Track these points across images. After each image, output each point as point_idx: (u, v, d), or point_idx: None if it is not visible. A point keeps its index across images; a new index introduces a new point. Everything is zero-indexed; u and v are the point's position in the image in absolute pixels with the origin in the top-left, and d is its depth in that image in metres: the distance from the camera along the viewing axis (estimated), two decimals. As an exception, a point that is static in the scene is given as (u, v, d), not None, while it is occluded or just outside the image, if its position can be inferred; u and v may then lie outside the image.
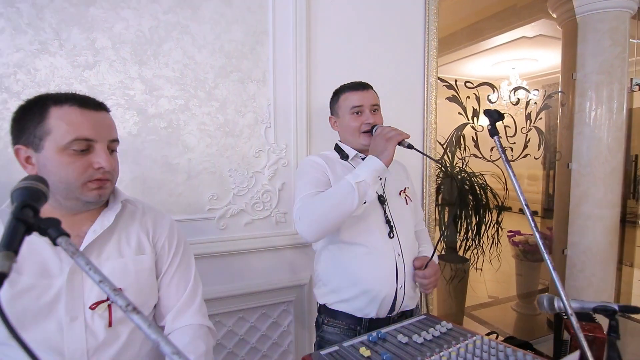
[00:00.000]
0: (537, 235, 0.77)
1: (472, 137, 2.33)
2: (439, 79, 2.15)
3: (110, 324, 0.80)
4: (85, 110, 0.82)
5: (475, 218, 2.61)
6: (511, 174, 0.90)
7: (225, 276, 1.50)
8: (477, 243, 2.62)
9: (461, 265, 2.73)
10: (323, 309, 1.26)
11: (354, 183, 1.04)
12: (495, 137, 0.97)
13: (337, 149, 1.31)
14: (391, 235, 1.18)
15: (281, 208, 1.58)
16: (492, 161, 2.39)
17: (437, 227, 2.44)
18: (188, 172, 1.44)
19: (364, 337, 0.88)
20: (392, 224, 1.19)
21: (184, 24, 1.39)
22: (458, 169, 2.50)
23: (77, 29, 1.26)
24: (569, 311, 0.73)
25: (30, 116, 0.81)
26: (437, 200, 2.36)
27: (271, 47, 1.52)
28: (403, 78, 1.81)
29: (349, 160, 1.27)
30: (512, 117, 2.42)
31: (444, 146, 2.34)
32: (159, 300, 0.93)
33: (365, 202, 1.07)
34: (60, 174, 0.77)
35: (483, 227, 2.60)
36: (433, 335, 0.86)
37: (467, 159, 2.38)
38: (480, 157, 2.37)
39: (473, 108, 2.30)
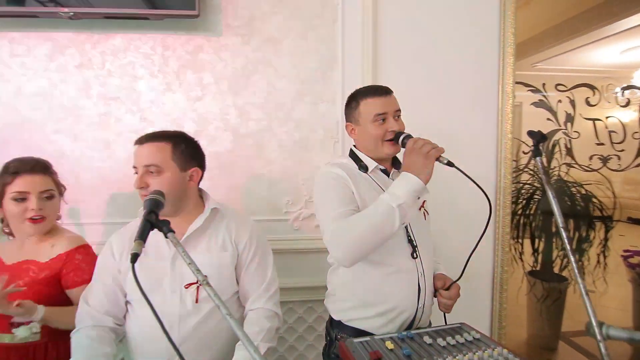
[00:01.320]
0: None
1: (566, 145, 2.13)
2: (522, 83, 2.05)
3: (197, 301, 1.11)
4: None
5: (576, 233, 2.36)
6: (551, 197, 0.91)
7: (298, 270, 1.75)
8: (577, 261, 2.37)
9: (556, 285, 2.49)
10: (337, 324, 1.22)
11: (395, 205, 0.98)
12: (538, 158, 0.97)
13: (354, 156, 1.23)
14: (414, 255, 1.16)
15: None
16: (593, 170, 2.14)
17: (520, 241, 2.30)
18: (269, 180, 1.73)
19: (394, 334, 1.00)
20: (414, 243, 1.16)
21: (268, 58, 1.68)
22: (555, 178, 2.30)
23: (190, 71, 1.65)
24: None
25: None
26: (517, 212, 2.23)
27: (340, 71, 1.71)
28: (475, 87, 1.80)
29: (368, 172, 1.19)
30: (620, 120, 2.12)
31: (530, 154, 2.19)
32: (242, 289, 1.21)
33: (403, 224, 1.02)
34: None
35: (585, 245, 2.34)
36: (458, 342, 0.94)
37: (558, 167, 2.18)
38: (575, 166, 2.14)
39: (566, 113, 2.11)
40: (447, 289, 1.19)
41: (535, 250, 2.49)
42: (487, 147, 1.82)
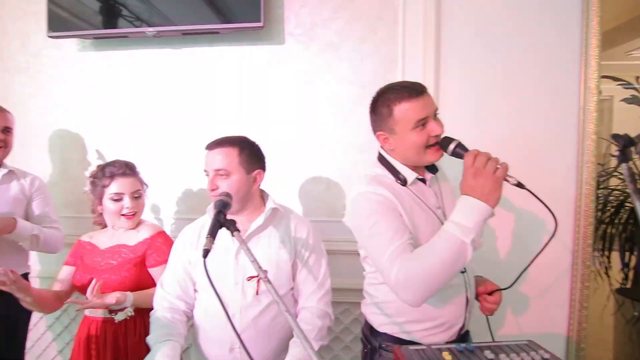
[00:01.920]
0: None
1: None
2: (611, 77, 1.83)
3: (257, 293, 1.18)
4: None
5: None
6: (638, 207, 0.81)
7: (355, 271, 1.75)
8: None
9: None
10: (381, 334, 1.13)
11: (469, 241, 0.88)
12: (624, 165, 0.88)
13: (388, 166, 1.10)
14: (462, 270, 1.09)
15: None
16: None
17: (606, 254, 2.04)
18: (327, 183, 1.76)
19: (452, 345, 0.96)
20: None
21: (328, 63, 1.73)
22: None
23: (257, 79, 1.76)
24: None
25: None
26: (604, 220, 1.99)
27: (400, 73, 1.68)
28: (552, 84, 1.64)
29: (407, 185, 1.08)
30: None
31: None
32: (296, 286, 1.27)
33: None
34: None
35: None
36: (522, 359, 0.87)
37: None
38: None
39: (668, 109, 1.83)
40: (490, 293, 1.13)
41: (625, 265, 2.20)
42: (566, 150, 1.65)
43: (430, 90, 1.61)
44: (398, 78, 1.68)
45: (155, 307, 1.24)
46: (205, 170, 1.26)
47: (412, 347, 0.94)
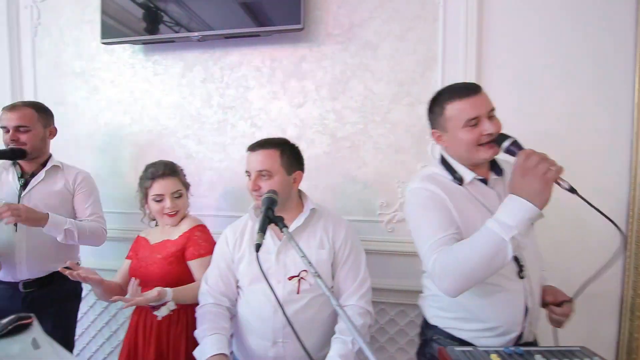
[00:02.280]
0: None
1: None
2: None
3: (298, 292, 1.21)
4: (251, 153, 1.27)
5: None
6: None
7: (390, 272, 1.75)
8: None
9: None
10: (433, 327, 1.16)
11: (508, 239, 0.88)
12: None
13: (446, 165, 1.12)
14: (521, 275, 1.04)
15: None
16: None
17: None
18: (364, 182, 1.77)
19: (500, 348, 0.95)
20: (521, 262, 1.04)
21: (365, 63, 1.72)
22: None
23: (294, 80, 1.79)
24: None
25: None
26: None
27: (440, 70, 1.66)
28: (601, 83, 1.56)
29: (464, 185, 1.08)
30: None
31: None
32: (336, 285, 1.29)
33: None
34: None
35: None
36: (575, 367, 0.85)
37: None
38: None
39: None
40: (559, 304, 1.08)
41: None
42: (619, 149, 1.56)
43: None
44: (438, 76, 1.66)
45: (201, 303, 1.30)
46: (247, 171, 1.30)
47: (458, 348, 0.93)
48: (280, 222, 0.92)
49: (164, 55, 1.92)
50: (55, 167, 1.65)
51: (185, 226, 1.50)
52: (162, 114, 1.95)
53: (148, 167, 1.51)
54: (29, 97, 2.11)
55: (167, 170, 1.49)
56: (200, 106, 1.90)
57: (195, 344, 1.23)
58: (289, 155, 1.29)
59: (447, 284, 0.96)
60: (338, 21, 1.73)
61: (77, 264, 1.30)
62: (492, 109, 1.06)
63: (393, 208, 1.75)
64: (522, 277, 1.04)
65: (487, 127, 1.02)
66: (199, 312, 1.28)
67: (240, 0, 1.69)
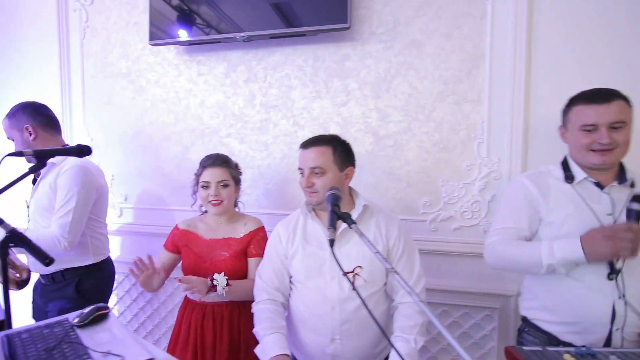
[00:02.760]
0: None
1: None
2: None
3: (353, 288, 1.21)
4: (302, 150, 1.31)
5: None
6: None
7: (433, 272, 1.74)
8: None
9: None
10: (525, 319, 1.28)
11: (545, 264, 1.06)
12: None
13: (564, 164, 1.21)
14: (610, 277, 1.06)
15: (490, 218, 1.68)
16: None
17: None
18: (407, 180, 1.76)
19: (571, 348, 0.93)
20: (615, 266, 1.06)
21: (410, 61, 1.71)
22: None
23: (337, 78, 1.80)
24: None
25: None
26: None
27: (488, 68, 1.63)
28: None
29: (573, 184, 1.15)
30: None
31: None
32: (390, 283, 1.29)
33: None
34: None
35: None
36: (654, 372, 0.82)
37: None
38: None
39: None
40: None
41: None
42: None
43: (521, 85, 1.58)
44: (485, 74, 1.64)
45: (257, 299, 1.32)
46: (300, 168, 1.32)
47: (527, 348, 0.92)
48: (348, 219, 0.93)
49: (207, 55, 1.96)
50: (51, 165, 1.55)
51: (251, 226, 1.55)
52: (206, 113, 1.99)
53: (203, 157, 1.58)
54: (77, 97, 2.20)
55: (218, 160, 1.54)
56: (243, 105, 1.93)
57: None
58: (341, 151, 1.30)
59: (492, 263, 1.22)
60: (382, 19, 1.73)
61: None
62: (619, 122, 1.08)
63: (437, 207, 1.74)
64: (611, 279, 1.06)
65: (602, 136, 1.08)
66: (256, 308, 1.31)
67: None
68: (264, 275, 1.34)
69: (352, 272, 1.22)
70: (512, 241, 1.17)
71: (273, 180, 1.92)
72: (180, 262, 1.56)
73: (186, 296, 1.57)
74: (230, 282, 1.37)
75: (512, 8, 1.58)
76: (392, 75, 1.74)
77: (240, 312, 1.47)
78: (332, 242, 0.86)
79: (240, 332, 1.45)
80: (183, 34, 1.87)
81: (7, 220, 1.05)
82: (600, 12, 1.53)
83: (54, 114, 1.69)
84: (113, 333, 0.87)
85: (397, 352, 1.08)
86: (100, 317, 0.94)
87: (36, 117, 1.60)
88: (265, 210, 1.93)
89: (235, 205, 1.64)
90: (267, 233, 1.51)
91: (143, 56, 2.07)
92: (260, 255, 1.45)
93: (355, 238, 1.27)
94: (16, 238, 1.00)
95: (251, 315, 1.32)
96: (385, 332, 1.25)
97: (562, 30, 1.56)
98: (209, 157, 1.56)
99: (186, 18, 1.86)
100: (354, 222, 0.91)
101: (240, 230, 1.54)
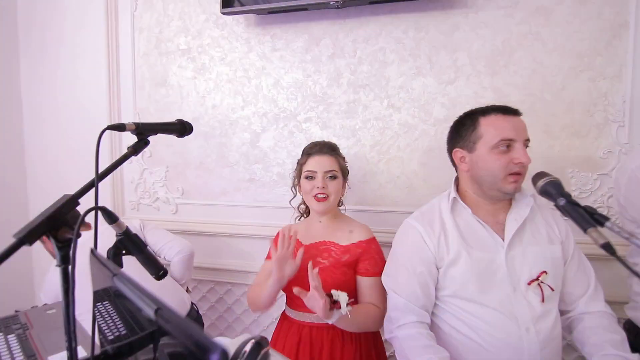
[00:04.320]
0: None
1: None
2: None
3: (542, 300, 0.95)
4: (508, 116, 1.00)
5: None
6: None
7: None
8: None
9: None
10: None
11: None
12: None
13: None
14: None
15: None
16: None
17: None
18: (529, 171, 1.51)
19: None
20: None
21: (535, 31, 1.46)
22: None
23: (443, 52, 1.54)
24: None
25: (465, 126, 1.04)
26: None
27: (632, 39, 1.39)
28: None
29: None
30: None
31: None
32: (564, 287, 1.03)
33: None
34: (489, 169, 0.99)
35: None
36: None
37: None
38: None
39: None
40: None
41: None
42: None
43: None
44: (629, 45, 1.39)
45: (398, 322, 1.03)
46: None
47: None
48: (597, 214, 0.68)
49: (284, 27, 1.70)
50: None
51: (359, 234, 1.27)
52: (281, 94, 1.73)
53: (307, 145, 1.35)
54: (125, 77, 1.93)
55: (326, 148, 1.31)
56: (326, 85, 1.67)
57: None
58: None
59: None
60: (503, -17, 1.48)
61: None
62: None
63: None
64: None
65: None
66: (401, 334, 1.01)
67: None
68: (404, 291, 1.05)
69: (537, 279, 0.97)
70: None
71: (361, 171, 1.66)
72: None
73: (284, 313, 1.31)
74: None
75: (665, -33, 1.34)
76: (513, 48, 1.48)
77: (343, 339, 1.20)
78: (608, 247, 0.60)
79: None
80: (258, 2, 1.60)
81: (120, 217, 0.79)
82: None
83: None
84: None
85: None
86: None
87: None
88: (351, 206, 1.66)
89: (340, 204, 1.38)
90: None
91: (206, 29, 1.80)
92: (375, 274, 1.19)
93: (527, 237, 1.02)
94: (130, 242, 0.74)
95: (356, 346, 1.07)
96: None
97: None
98: (315, 143, 1.33)
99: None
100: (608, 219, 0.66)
101: (344, 237, 1.27)
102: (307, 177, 1.28)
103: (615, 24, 1.41)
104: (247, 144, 1.79)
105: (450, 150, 1.14)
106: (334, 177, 1.27)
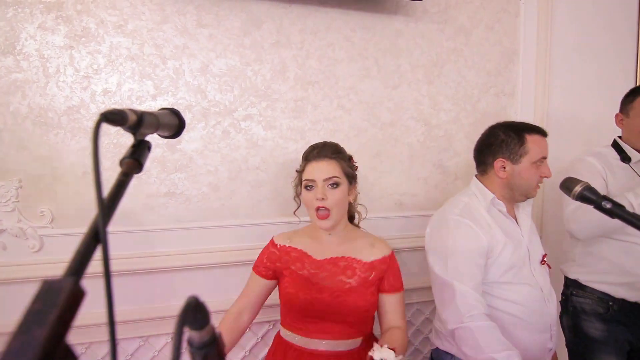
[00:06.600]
0: None
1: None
2: None
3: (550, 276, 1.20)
4: (544, 138, 1.16)
5: None
6: None
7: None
8: None
9: None
10: (572, 282, 1.42)
11: (635, 203, 1.18)
12: None
13: (616, 147, 1.40)
14: None
15: None
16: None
17: None
18: (455, 173, 1.68)
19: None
20: None
21: (459, 48, 1.64)
22: None
23: (389, 56, 1.55)
24: None
25: (513, 140, 1.15)
26: None
27: (521, 64, 1.73)
28: None
29: (630, 163, 1.36)
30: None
31: None
32: None
33: None
34: (528, 179, 1.15)
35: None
36: None
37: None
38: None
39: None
40: None
41: None
42: None
43: (540, 87, 1.74)
44: (518, 70, 1.74)
45: (472, 311, 1.03)
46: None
47: None
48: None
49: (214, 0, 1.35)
50: None
51: (381, 249, 1.14)
52: (211, 83, 1.37)
53: (308, 147, 1.15)
54: None
55: (325, 150, 1.10)
56: (270, 78, 1.42)
57: None
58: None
59: (578, 230, 1.28)
60: (436, -2, 1.59)
61: None
62: None
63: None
64: None
65: None
66: (473, 325, 1.01)
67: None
68: (472, 281, 1.06)
69: (544, 259, 1.21)
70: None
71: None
72: (277, 289, 1.07)
73: (278, 334, 1.08)
74: (389, 346, 0.87)
75: (536, 12, 1.72)
76: (444, 61, 1.62)
77: None
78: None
79: None
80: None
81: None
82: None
83: None
84: None
85: None
86: None
87: None
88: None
89: (353, 213, 1.21)
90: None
91: (91, -18, 1.25)
92: (398, 290, 1.12)
93: (526, 224, 1.23)
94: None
95: None
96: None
97: (575, 34, 1.81)
98: (314, 146, 1.13)
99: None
100: None
101: (366, 252, 1.11)
102: (306, 187, 1.08)
103: (510, 50, 1.73)
104: (162, 145, 1.33)
105: (487, 158, 1.22)
106: (335, 185, 1.08)
